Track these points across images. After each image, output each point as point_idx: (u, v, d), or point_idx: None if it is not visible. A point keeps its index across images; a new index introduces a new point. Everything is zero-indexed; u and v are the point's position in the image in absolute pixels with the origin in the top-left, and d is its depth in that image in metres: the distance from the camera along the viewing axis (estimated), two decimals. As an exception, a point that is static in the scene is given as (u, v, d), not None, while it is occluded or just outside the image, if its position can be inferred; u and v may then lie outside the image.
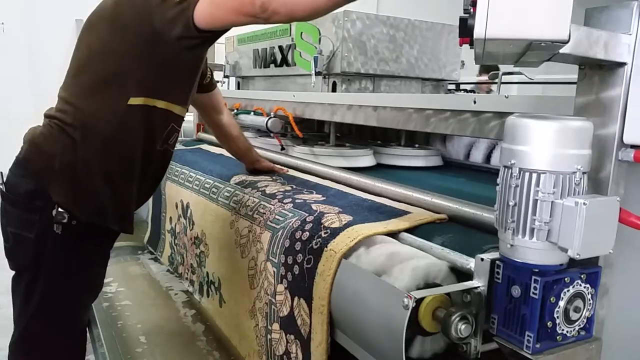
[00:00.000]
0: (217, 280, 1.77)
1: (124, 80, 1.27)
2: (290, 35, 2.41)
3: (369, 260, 1.06)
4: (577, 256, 0.78)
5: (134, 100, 1.27)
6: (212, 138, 2.48)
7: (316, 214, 1.29)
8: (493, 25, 0.74)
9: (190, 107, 1.61)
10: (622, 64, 0.86)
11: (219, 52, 3.21)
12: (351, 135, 2.60)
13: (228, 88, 3.25)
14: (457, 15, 0.81)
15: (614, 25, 0.86)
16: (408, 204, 1.36)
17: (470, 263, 0.97)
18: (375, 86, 2.29)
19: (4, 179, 1.34)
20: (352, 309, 1.04)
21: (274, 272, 1.31)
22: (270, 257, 1.34)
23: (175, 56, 1.27)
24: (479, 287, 0.89)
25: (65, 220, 1.26)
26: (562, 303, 0.84)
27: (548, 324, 0.83)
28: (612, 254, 0.84)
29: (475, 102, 1.29)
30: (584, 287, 0.86)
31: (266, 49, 2.64)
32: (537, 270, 0.83)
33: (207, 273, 1.85)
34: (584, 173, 0.82)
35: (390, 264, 1.02)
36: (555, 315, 0.84)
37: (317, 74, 2.17)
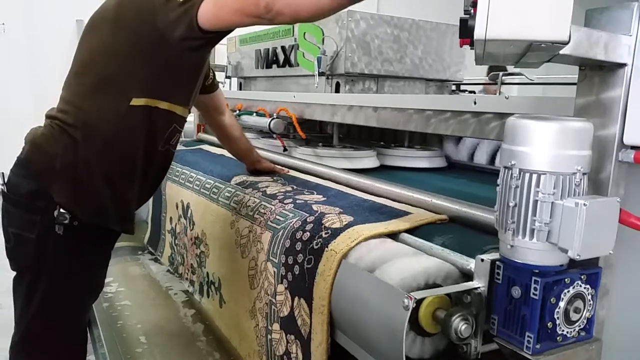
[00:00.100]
0: (217, 280, 1.77)
1: (126, 80, 1.27)
2: (293, 35, 2.39)
3: (369, 261, 1.06)
4: (577, 257, 0.78)
5: (136, 101, 1.27)
6: (213, 138, 2.48)
7: (317, 214, 1.29)
8: (493, 26, 0.74)
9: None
10: (623, 65, 0.87)
11: (220, 52, 3.21)
12: (354, 136, 2.58)
13: (230, 89, 3.25)
14: (458, 15, 0.81)
15: (614, 27, 0.86)
16: (409, 204, 1.36)
17: (470, 264, 0.97)
18: (379, 87, 2.27)
19: (6, 180, 1.34)
20: (352, 309, 1.04)
21: (274, 272, 1.32)
22: (271, 257, 1.34)
23: (179, 57, 1.27)
24: (479, 287, 0.90)
25: (66, 221, 1.26)
26: (562, 304, 0.84)
27: (548, 324, 0.83)
28: (613, 254, 0.84)
29: (475, 103, 1.29)
30: (584, 288, 0.86)
31: (268, 49, 2.63)
32: (537, 271, 0.83)
33: (207, 273, 1.85)
34: (584, 174, 0.82)
35: (390, 265, 1.02)
36: (556, 316, 0.84)
37: (321, 74, 2.16)
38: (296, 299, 1.21)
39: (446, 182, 1.82)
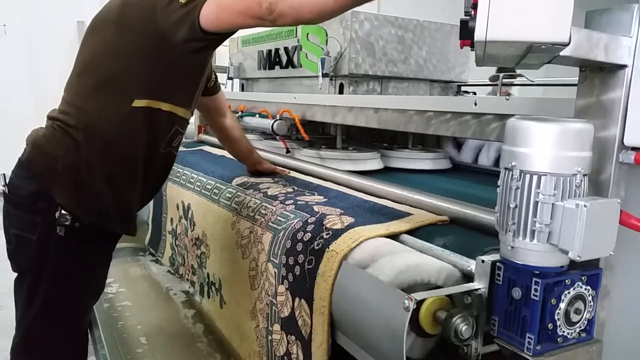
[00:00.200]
0: (217, 281, 1.77)
1: (128, 82, 1.27)
2: (296, 36, 2.38)
3: (370, 262, 1.07)
4: (578, 258, 0.79)
5: (137, 103, 1.27)
6: (214, 139, 2.49)
7: (318, 215, 1.29)
8: (494, 27, 0.74)
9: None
10: (623, 67, 0.87)
11: (222, 54, 3.20)
12: (357, 138, 2.56)
13: (232, 90, 3.24)
14: (459, 15, 0.81)
15: (615, 28, 0.86)
16: (410, 205, 1.36)
17: (471, 265, 0.97)
18: (383, 88, 2.25)
19: (7, 181, 1.34)
20: (353, 310, 1.04)
21: (275, 272, 1.32)
22: (272, 258, 1.34)
23: (181, 59, 1.27)
24: (479, 288, 0.90)
25: (68, 223, 1.26)
26: (562, 305, 0.84)
27: (549, 325, 0.83)
28: (613, 255, 0.84)
29: (476, 104, 1.30)
30: (585, 289, 0.86)
31: (271, 50, 2.62)
32: (537, 272, 0.83)
33: (208, 274, 1.85)
34: (584, 175, 0.82)
35: (390, 266, 1.02)
36: (556, 317, 0.84)
37: (324, 75, 2.14)
38: (297, 299, 1.22)
39: (450, 184, 1.81)
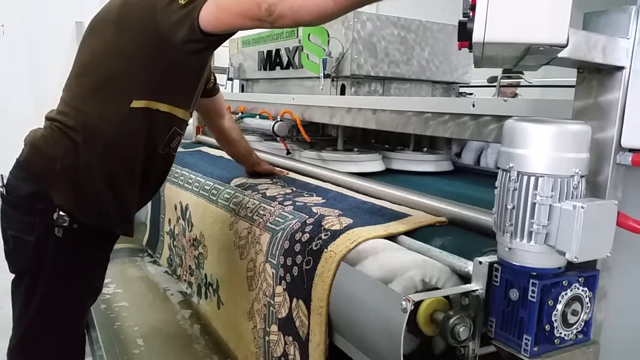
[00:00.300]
0: (215, 282, 1.77)
1: (127, 82, 1.27)
2: (297, 37, 2.37)
3: (368, 263, 1.07)
4: (575, 259, 0.79)
5: (136, 103, 1.27)
6: (212, 140, 2.48)
7: (316, 216, 1.29)
8: (492, 29, 0.74)
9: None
10: (620, 68, 0.87)
11: (222, 54, 3.19)
12: (357, 139, 2.55)
13: (232, 91, 3.23)
14: (459, 15, 0.81)
15: (612, 30, 0.86)
16: (408, 207, 1.36)
17: (468, 266, 0.97)
18: (385, 89, 2.23)
19: (5, 182, 1.34)
20: (351, 311, 1.04)
21: (272, 273, 1.32)
22: (269, 259, 1.34)
23: (180, 60, 1.26)
24: (477, 290, 0.90)
25: (66, 224, 1.26)
26: (560, 306, 0.84)
27: (546, 327, 0.83)
28: (610, 257, 0.84)
29: (474, 106, 1.30)
30: (582, 291, 0.86)
31: (272, 51, 2.60)
32: (535, 273, 0.83)
33: (206, 275, 1.85)
34: (582, 176, 0.83)
35: (389, 267, 1.02)
36: (553, 319, 0.84)
37: (326, 76, 2.13)
38: (294, 300, 1.21)
39: (452, 186, 1.80)
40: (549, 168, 0.81)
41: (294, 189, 1.62)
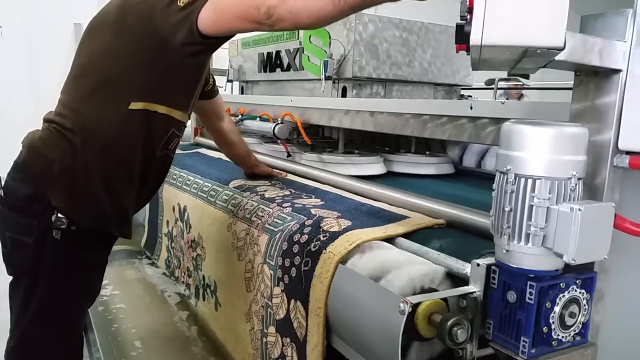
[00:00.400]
0: (213, 283, 1.77)
1: (125, 84, 1.27)
2: (297, 38, 2.36)
3: (366, 265, 1.07)
4: (573, 262, 0.79)
5: (134, 105, 1.27)
6: (210, 142, 2.48)
7: (315, 218, 1.29)
8: (489, 32, 0.75)
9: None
10: (617, 71, 0.87)
11: (221, 56, 3.19)
12: (358, 141, 2.53)
13: (232, 93, 3.23)
14: (457, 17, 0.81)
15: (609, 33, 0.87)
16: (407, 209, 1.37)
17: (466, 268, 0.97)
18: (387, 91, 2.22)
19: (2, 184, 1.33)
20: (349, 312, 1.04)
21: (270, 274, 1.32)
22: (268, 260, 1.34)
23: (179, 62, 1.26)
24: (475, 292, 0.90)
25: (64, 226, 1.26)
26: (557, 308, 0.84)
27: (543, 329, 0.83)
28: (607, 259, 0.84)
29: (471, 108, 1.30)
30: (580, 293, 0.87)
31: (272, 52, 2.59)
32: (532, 275, 0.83)
33: (204, 276, 1.85)
34: (579, 179, 0.83)
35: (387, 269, 1.02)
36: (551, 321, 0.84)
37: (327, 78, 2.11)
38: (292, 301, 1.21)
39: (453, 189, 1.79)
40: (546, 170, 0.81)
41: (293, 191, 1.62)
